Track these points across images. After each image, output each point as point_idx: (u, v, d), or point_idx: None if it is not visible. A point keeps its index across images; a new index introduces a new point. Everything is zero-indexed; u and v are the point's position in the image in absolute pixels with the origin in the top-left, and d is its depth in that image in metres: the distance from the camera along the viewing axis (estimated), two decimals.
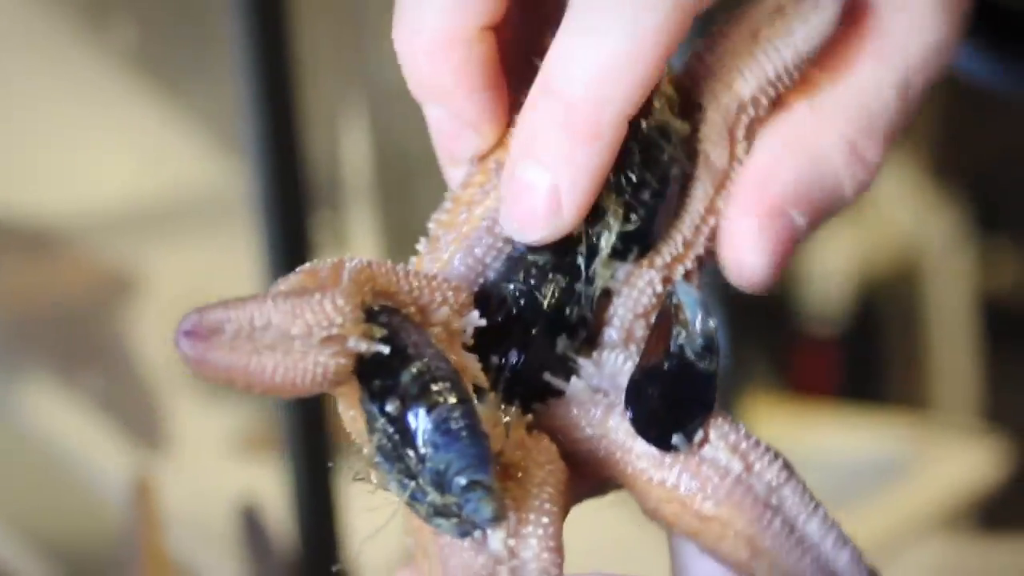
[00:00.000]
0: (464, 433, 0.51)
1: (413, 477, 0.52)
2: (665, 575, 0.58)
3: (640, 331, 0.57)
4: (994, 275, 3.39)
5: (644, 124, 0.56)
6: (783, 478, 0.55)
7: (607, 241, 0.57)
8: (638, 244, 0.57)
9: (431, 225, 0.58)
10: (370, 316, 0.52)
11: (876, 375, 3.30)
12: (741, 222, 0.57)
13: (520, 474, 0.54)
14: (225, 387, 0.51)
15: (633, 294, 0.57)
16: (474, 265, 0.57)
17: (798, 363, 3.22)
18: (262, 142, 1.35)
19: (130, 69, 1.97)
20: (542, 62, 0.56)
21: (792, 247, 0.57)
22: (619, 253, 0.57)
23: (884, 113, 0.58)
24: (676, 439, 0.55)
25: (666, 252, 0.58)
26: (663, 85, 0.57)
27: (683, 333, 0.55)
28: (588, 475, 0.57)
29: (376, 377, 0.52)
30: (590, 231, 0.56)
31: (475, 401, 0.52)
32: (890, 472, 2.45)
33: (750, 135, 0.58)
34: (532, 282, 0.57)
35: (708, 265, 0.59)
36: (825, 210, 0.58)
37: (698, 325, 0.55)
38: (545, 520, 0.53)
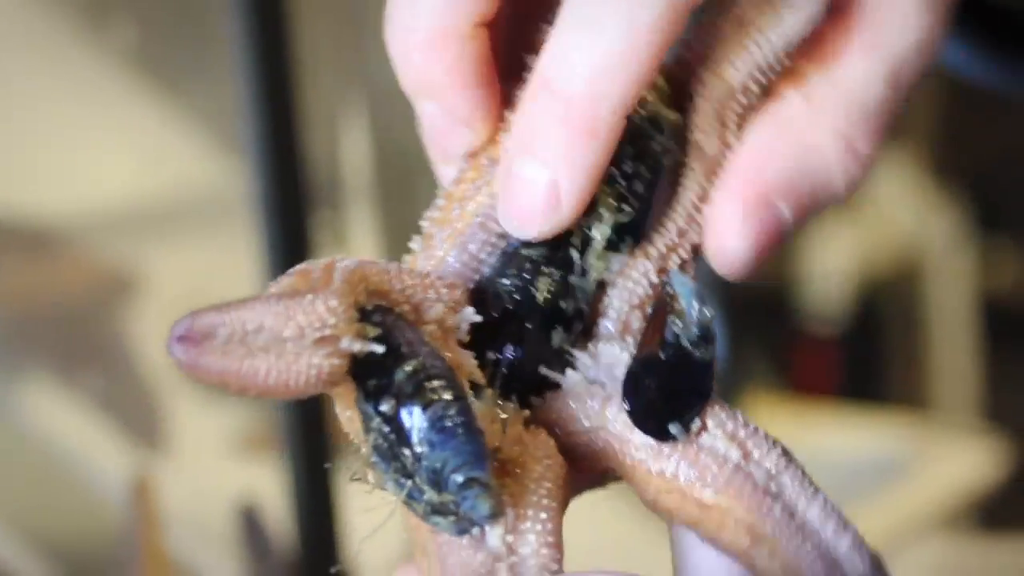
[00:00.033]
0: (459, 430, 0.51)
1: (410, 476, 0.52)
2: (666, 573, 0.58)
3: (636, 322, 0.57)
4: (994, 275, 3.39)
5: (636, 115, 0.56)
6: (782, 465, 0.55)
7: (601, 233, 0.57)
8: (632, 235, 0.57)
9: (424, 223, 0.58)
10: (363, 315, 0.52)
11: (876, 375, 3.30)
12: (726, 207, 0.57)
13: (518, 470, 0.54)
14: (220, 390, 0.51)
15: (628, 285, 0.57)
16: (468, 261, 0.57)
17: (798, 362, 3.22)
18: (262, 142, 1.34)
19: (130, 69, 1.97)
20: (536, 59, 0.56)
21: (776, 238, 0.57)
22: (613, 244, 0.57)
23: (876, 106, 0.58)
24: (674, 429, 0.55)
25: (660, 242, 0.58)
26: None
27: (679, 322, 0.55)
28: (587, 468, 0.57)
29: (371, 377, 0.52)
30: (584, 223, 0.56)
31: (471, 398, 0.52)
32: (890, 472, 2.45)
33: (741, 123, 0.58)
34: (527, 276, 0.57)
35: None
36: (814, 203, 0.58)
37: (694, 314, 0.55)
38: (543, 516, 0.53)
